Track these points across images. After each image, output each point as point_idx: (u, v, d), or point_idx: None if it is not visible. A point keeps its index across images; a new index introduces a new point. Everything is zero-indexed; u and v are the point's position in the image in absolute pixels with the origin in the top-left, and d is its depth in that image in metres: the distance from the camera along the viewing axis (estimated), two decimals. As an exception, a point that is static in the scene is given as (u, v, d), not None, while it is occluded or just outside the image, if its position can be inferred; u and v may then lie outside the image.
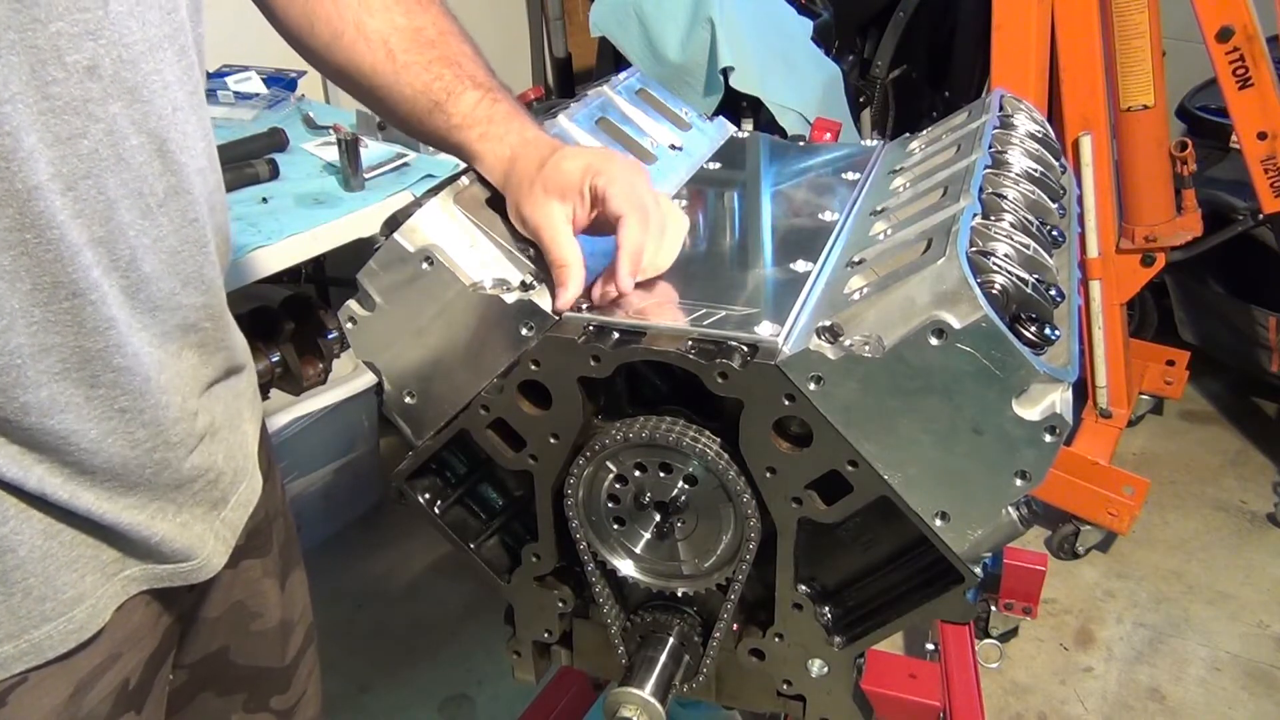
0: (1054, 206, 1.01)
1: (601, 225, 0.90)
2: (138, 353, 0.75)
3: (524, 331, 0.89)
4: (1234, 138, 2.41)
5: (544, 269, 0.92)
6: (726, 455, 0.87)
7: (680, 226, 0.97)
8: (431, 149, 2.13)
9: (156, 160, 0.74)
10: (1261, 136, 2.17)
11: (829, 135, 2.40)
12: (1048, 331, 0.81)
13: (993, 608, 2.16)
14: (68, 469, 0.74)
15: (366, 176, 1.98)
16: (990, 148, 1.05)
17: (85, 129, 0.68)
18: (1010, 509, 0.82)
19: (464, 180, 0.97)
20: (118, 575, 0.81)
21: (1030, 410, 0.78)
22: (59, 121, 0.66)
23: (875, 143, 1.33)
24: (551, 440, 0.92)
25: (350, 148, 1.92)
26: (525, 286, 0.90)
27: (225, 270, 0.88)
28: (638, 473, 0.91)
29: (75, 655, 0.78)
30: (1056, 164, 1.12)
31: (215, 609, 0.96)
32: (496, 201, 0.96)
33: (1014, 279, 0.83)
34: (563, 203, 0.89)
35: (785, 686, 1.00)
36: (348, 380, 2.35)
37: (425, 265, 0.90)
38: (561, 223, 0.89)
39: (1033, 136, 1.13)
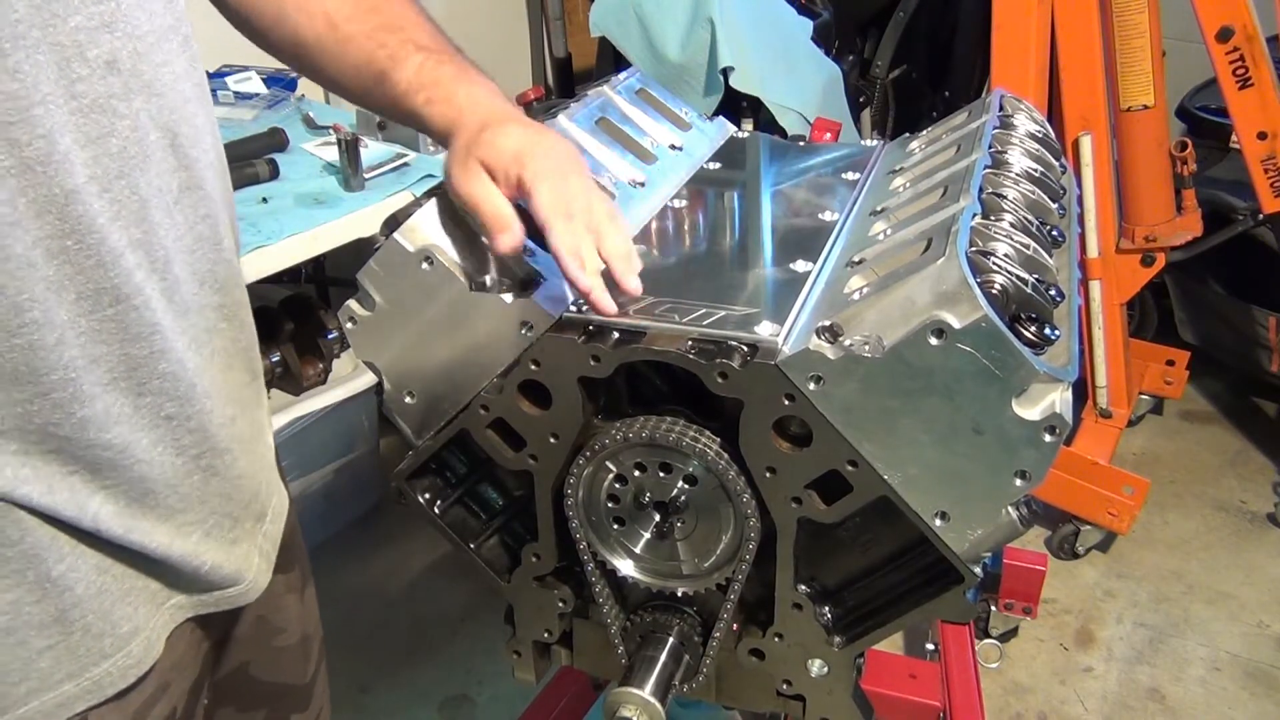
0: (1054, 206, 1.01)
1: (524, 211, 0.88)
2: (181, 357, 0.74)
3: (524, 331, 0.89)
4: (1234, 138, 2.41)
5: (544, 268, 0.91)
6: (726, 455, 0.87)
7: (613, 211, 0.91)
8: (432, 148, 2.14)
9: (171, 155, 0.72)
10: (1261, 136, 2.17)
11: (829, 135, 2.40)
12: (1048, 331, 0.81)
13: (993, 608, 2.16)
14: (122, 496, 0.73)
15: (366, 176, 1.97)
16: (990, 148, 1.05)
17: (113, 126, 0.66)
18: (1010, 509, 0.82)
19: (464, 180, 0.97)
20: (166, 604, 0.80)
21: (1030, 410, 0.78)
22: (88, 121, 0.65)
23: (875, 143, 1.33)
24: (551, 440, 0.92)
25: (350, 148, 1.92)
26: (525, 286, 0.90)
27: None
28: (637, 473, 0.91)
29: (130, 691, 0.77)
30: (1056, 164, 1.12)
31: (243, 627, 0.94)
32: None
33: (1014, 279, 0.83)
34: (492, 177, 0.86)
35: (785, 686, 1.00)
36: (348, 380, 2.34)
37: (425, 265, 0.90)
38: (493, 191, 0.86)
39: (1033, 136, 1.13)
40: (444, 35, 0.95)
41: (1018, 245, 0.87)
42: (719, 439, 0.88)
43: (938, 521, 0.85)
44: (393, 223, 0.91)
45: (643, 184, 1.12)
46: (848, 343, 0.79)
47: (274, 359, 2.07)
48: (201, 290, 0.77)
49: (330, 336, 2.11)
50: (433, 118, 0.90)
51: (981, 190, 0.94)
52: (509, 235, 0.85)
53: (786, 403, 0.82)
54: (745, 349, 0.84)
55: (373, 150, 2.06)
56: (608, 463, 0.92)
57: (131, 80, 0.68)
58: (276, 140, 2.09)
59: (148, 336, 0.71)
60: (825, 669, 0.97)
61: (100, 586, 0.73)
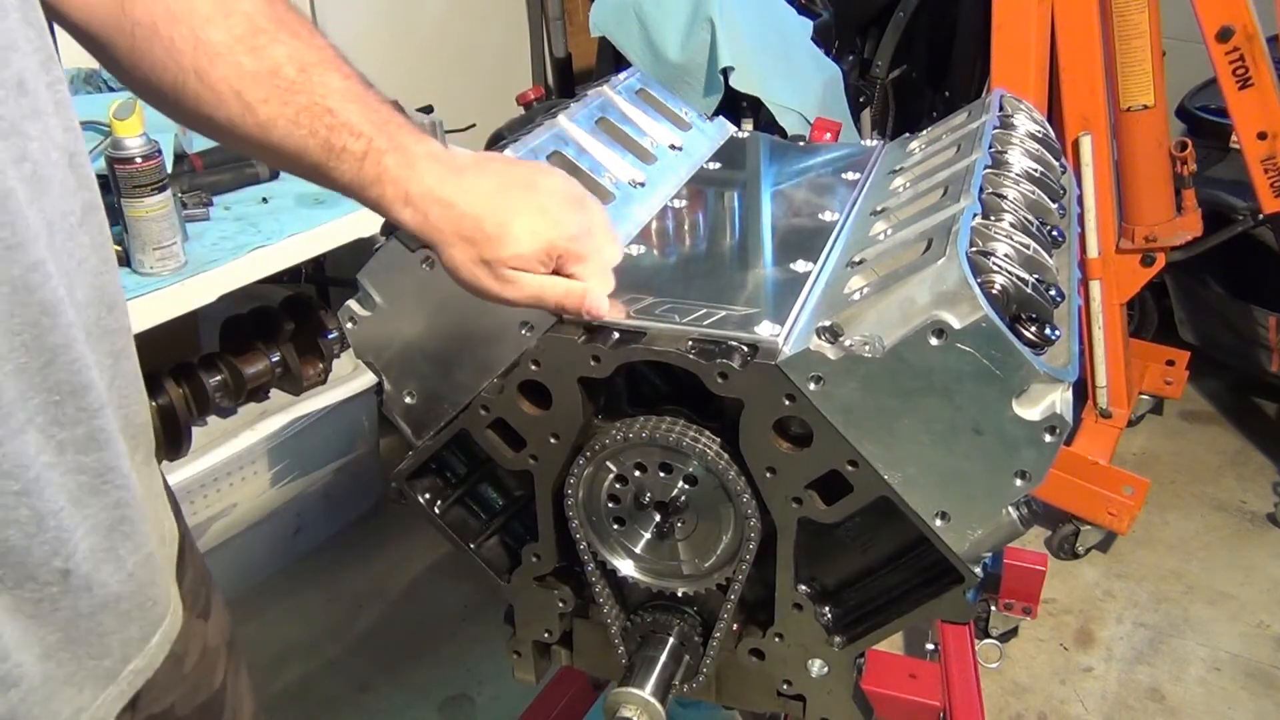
0: (1054, 206, 1.01)
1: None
2: (100, 389, 0.71)
3: (524, 331, 0.89)
4: (1234, 138, 2.41)
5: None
6: (726, 455, 0.87)
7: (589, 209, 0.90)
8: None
9: (70, 175, 0.68)
10: (1261, 136, 2.17)
11: (829, 135, 2.40)
12: (1048, 331, 0.81)
13: (993, 608, 2.16)
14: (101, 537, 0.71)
15: (367, 176, 1.97)
16: (990, 148, 1.05)
17: (25, 149, 0.63)
18: (1010, 509, 0.82)
19: (464, 180, 0.97)
20: (121, 675, 0.76)
21: (1030, 410, 0.78)
22: (8, 145, 0.61)
23: (875, 143, 1.33)
24: (551, 440, 0.92)
25: (350, 148, 1.92)
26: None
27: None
28: (638, 473, 0.91)
29: None
30: (1056, 164, 1.12)
31: (163, 669, 0.88)
32: None
33: (1014, 279, 0.83)
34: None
35: (785, 686, 1.00)
36: (348, 380, 2.34)
37: (425, 266, 0.90)
38: (543, 281, 0.84)
39: (1033, 136, 1.13)
40: (370, 96, 0.84)
41: (1018, 245, 0.87)
42: (719, 439, 0.88)
43: (938, 521, 0.85)
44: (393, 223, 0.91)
45: (643, 184, 1.12)
46: (848, 343, 0.79)
47: (274, 359, 2.07)
48: (111, 314, 0.73)
49: (330, 336, 2.11)
50: (397, 218, 0.84)
51: (982, 190, 0.94)
52: (595, 299, 0.85)
53: (787, 403, 0.82)
54: (745, 349, 0.84)
55: (373, 150, 2.05)
56: (608, 463, 0.92)
57: (39, 101, 0.65)
58: (276, 140, 2.08)
59: (79, 376, 0.67)
60: (825, 669, 0.97)
61: (45, 674, 0.69)
